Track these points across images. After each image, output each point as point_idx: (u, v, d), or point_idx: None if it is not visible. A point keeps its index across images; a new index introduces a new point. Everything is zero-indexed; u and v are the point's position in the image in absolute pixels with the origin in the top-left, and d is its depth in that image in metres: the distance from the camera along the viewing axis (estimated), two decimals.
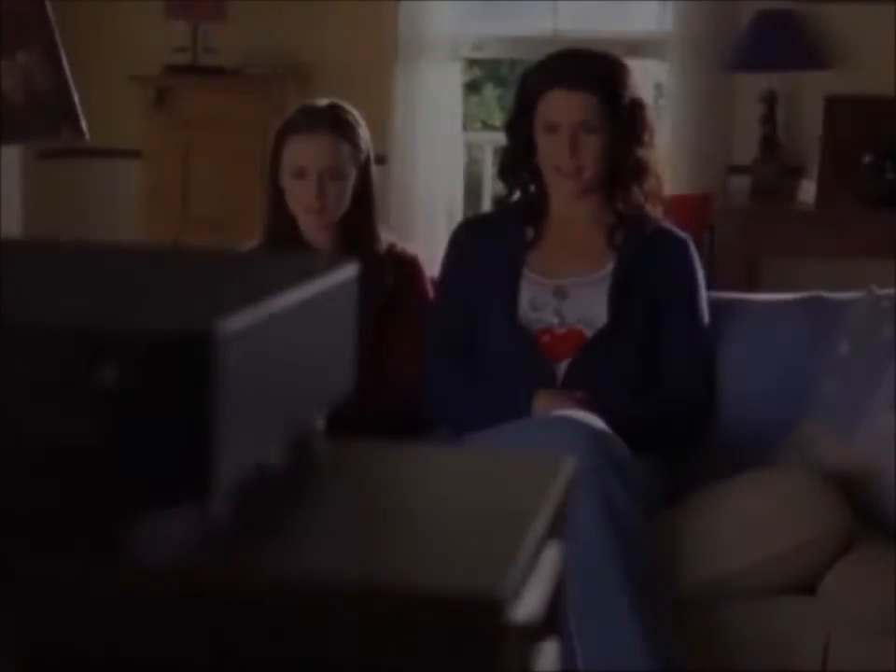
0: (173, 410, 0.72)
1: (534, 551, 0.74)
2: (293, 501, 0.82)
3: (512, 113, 3.14)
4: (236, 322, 0.73)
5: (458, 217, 5.54)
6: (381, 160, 5.64)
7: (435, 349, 3.11)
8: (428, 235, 5.50)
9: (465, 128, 6.16)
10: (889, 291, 3.00)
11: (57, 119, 3.18)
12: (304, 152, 3.10)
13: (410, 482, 0.90)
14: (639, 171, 3.06)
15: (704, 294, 3.13)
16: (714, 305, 3.18)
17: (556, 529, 0.82)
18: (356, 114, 3.20)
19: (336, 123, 3.13)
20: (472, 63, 9.08)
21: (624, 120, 3.01)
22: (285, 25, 5.77)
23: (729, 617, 2.72)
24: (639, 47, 5.65)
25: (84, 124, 3.23)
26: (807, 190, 5.14)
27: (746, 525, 2.69)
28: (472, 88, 9.21)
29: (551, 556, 0.80)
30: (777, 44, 5.24)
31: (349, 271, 0.92)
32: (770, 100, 5.31)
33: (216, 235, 5.39)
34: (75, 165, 5.99)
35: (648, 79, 5.83)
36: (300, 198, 3.11)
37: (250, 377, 0.77)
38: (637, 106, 3.04)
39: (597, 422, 2.64)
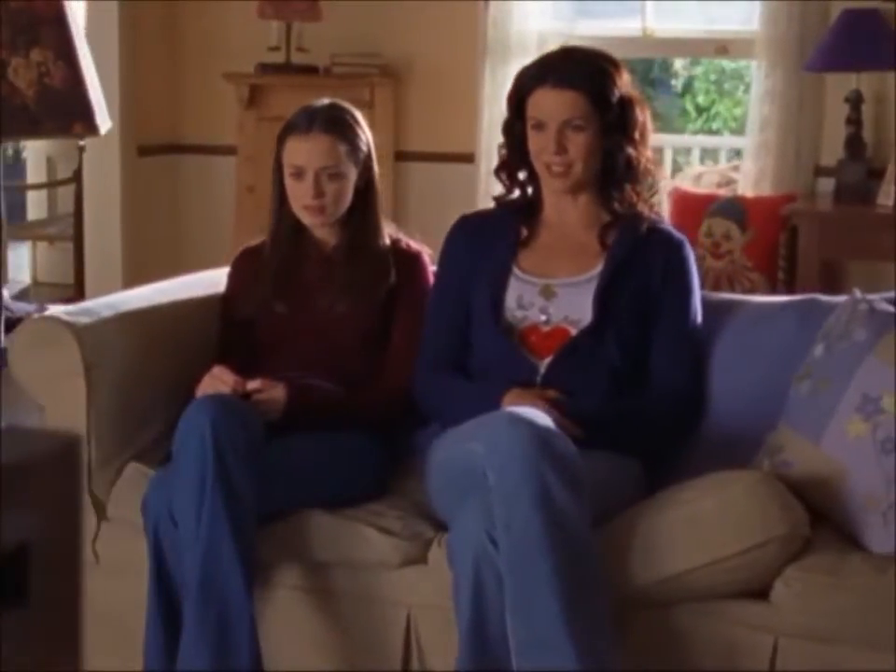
0: None
1: None
2: None
3: (507, 112, 3.15)
4: None
5: None
6: (468, 158, 5.73)
7: (426, 343, 3.15)
8: None
9: None
10: (873, 296, 2.94)
11: (69, 115, 3.31)
12: (301, 152, 3.17)
13: None
14: (630, 169, 3.05)
15: (697, 295, 3.11)
16: (710, 306, 3.16)
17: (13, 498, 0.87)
18: (355, 113, 3.26)
19: (332, 123, 3.18)
20: None
21: (613, 119, 3.01)
22: (375, 25, 5.85)
23: (677, 619, 2.70)
24: (728, 46, 5.61)
25: (98, 121, 3.35)
26: (887, 193, 5.03)
27: (695, 527, 2.67)
28: None
29: None
30: (862, 43, 5.14)
31: None
32: (855, 100, 5.21)
33: None
34: (172, 161, 6.17)
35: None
36: (298, 197, 3.18)
37: None
38: (626, 105, 3.03)
39: (543, 419, 2.64)
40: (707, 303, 3.16)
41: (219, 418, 2.76)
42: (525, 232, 3.14)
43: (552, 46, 5.76)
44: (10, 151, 9.33)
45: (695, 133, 9.57)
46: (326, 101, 3.28)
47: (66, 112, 3.30)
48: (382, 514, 2.93)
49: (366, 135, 3.25)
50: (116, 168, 5.94)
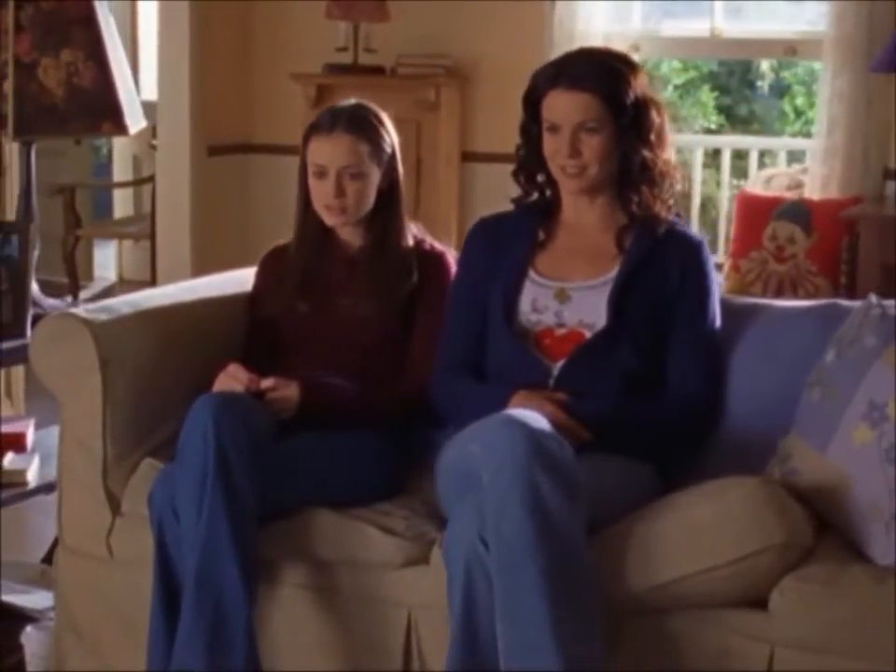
0: None
1: None
2: None
3: (523, 113, 3.14)
4: None
5: None
6: None
7: (443, 345, 3.15)
8: None
9: (679, 129, 6.15)
10: (888, 301, 2.88)
11: (98, 115, 3.36)
12: (323, 152, 3.19)
13: None
14: (646, 171, 3.02)
15: (716, 298, 3.07)
16: (730, 310, 3.12)
17: None
18: (380, 114, 3.27)
19: (355, 123, 3.20)
20: (687, 66, 9.03)
21: (628, 121, 2.99)
22: (442, 25, 5.86)
23: (673, 626, 2.67)
24: (796, 47, 5.54)
25: (128, 121, 3.39)
26: None
27: (691, 533, 2.63)
28: (688, 89, 9.13)
29: None
30: None
31: None
32: None
33: None
34: (241, 161, 6.22)
35: None
36: (320, 197, 3.20)
37: None
38: (641, 106, 3.00)
39: (538, 421, 2.63)
40: (727, 307, 3.12)
41: (222, 415, 2.78)
42: (542, 235, 3.13)
43: (620, 48, 5.75)
44: (105, 150, 9.51)
45: (794, 135, 9.47)
46: (352, 101, 3.30)
47: (95, 112, 3.36)
48: (389, 514, 2.94)
49: (391, 137, 3.26)
50: (186, 168, 6.01)
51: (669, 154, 3.08)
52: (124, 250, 8.15)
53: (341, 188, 3.17)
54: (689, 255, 3.06)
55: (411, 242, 3.29)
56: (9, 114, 3.25)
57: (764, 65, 8.80)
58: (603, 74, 2.98)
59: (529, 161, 3.13)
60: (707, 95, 8.96)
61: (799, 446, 2.83)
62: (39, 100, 3.29)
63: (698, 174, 7.06)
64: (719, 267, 5.87)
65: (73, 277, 6.86)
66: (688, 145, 7.68)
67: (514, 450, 2.55)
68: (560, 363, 2.99)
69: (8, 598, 3.46)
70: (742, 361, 3.09)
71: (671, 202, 3.10)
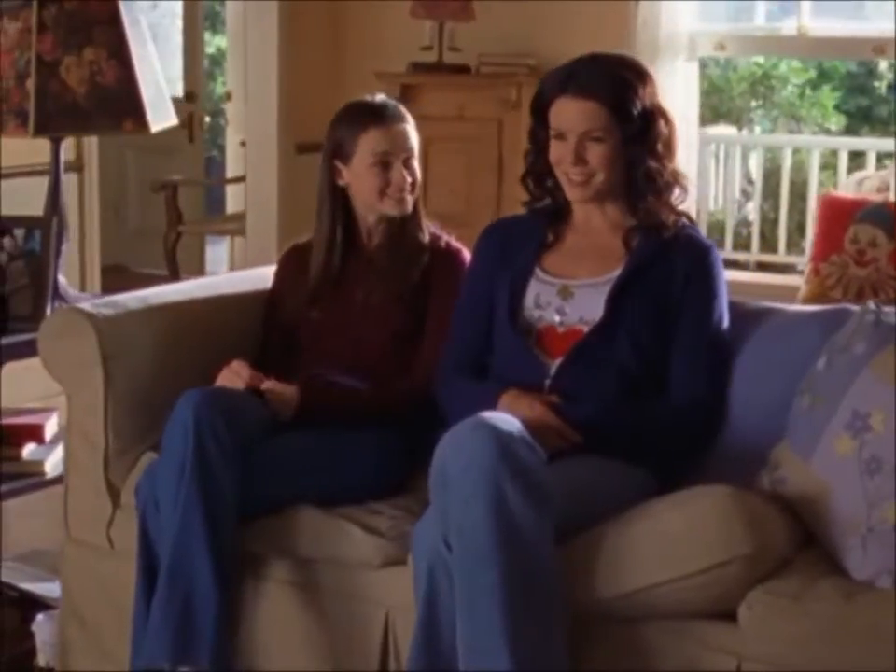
0: None
1: None
2: None
3: (532, 119, 3.11)
4: None
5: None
6: None
7: (449, 345, 3.15)
8: None
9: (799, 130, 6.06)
10: (887, 308, 2.79)
11: (120, 112, 3.41)
12: (388, 140, 3.21)
13: None
14: (652, 181, 2.97)
15: (723, 302, 3.02)
16: (740, 314, 3.06)
17: None
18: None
19: (402, 114, 3.26)
20: (807, 66, 8.83)
21: (635, 131, 2.94)
22: (527, 25, 5.84)
23: (642, 635, 2.62)
24: (884, 46, 5.40)
25: (150, 118, 3.44)
26: None
27: (660, 541, 2.58)
28: (810, 89, 8.95)
29: None
30: None
31: None
32: None
33: (452, 228, 5.54)
34: None
35: None
36: (392, 183, 3.21)
37: None
38: (649, 116, 2.95)
39: (510, 425, 2.60)
40: (737, 311, 3.06)
41: (204, 409, 2.80)
42: (550, 237, 3.10)
43: (704, 47, 5.68)
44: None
45: None
46: (381, 96, 3.31)
47: (117, 109, 3.41)
48: (378, 513, 2.93)
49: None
50: (274, 165, 6.07)
51: (676, 163, 3.03)
52: (236, 246, 8.25)
53: (412, 170, 3.22)
54: (696, 258, 3.01)
55: (427, 238, 3.29)
56: (31, 111, 3.31)
57: (883, 65, 8.60)
58: (611, 83, 2.94)
59: (537, 167, 3.10)
60: (827, 96, 8.77)
61: (787, 455, 2.76)
62: (61, 98, 3.34)
63: (814, 174, 6.94)
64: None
65: (174, 272, 6.97)
66: (806, 145, 7.55)
67: (481, 453, 2.53)
68: (558, 362, 2.95)
69: (30, 586, 3.53)
70: (747, 366, 3.02)
71: (681, 206, 3.05)
